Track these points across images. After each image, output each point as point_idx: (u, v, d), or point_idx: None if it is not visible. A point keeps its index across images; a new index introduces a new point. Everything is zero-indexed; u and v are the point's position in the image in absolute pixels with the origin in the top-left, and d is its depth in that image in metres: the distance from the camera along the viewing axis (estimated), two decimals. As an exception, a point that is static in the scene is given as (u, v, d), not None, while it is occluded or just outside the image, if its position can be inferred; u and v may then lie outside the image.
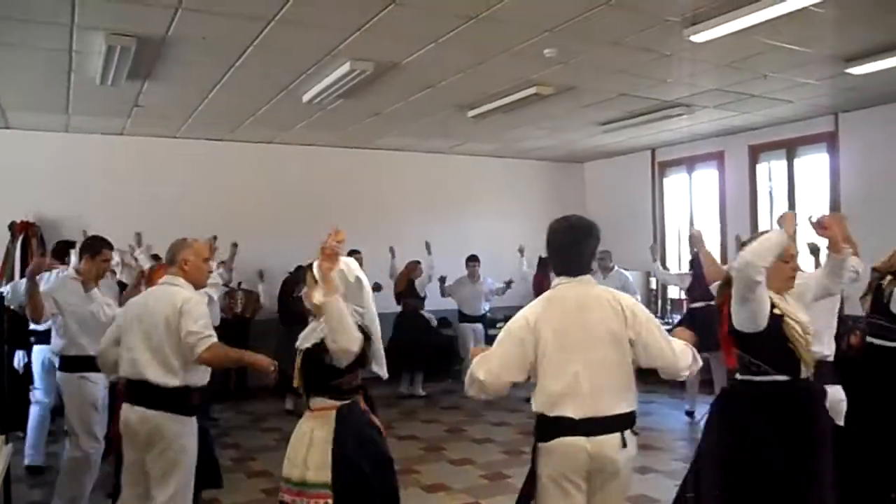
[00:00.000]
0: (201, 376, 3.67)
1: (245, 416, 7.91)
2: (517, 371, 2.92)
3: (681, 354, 2.93)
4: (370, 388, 3.47)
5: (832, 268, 3.72)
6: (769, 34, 5.44)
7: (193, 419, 3.64)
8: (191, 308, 3.53)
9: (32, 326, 5.54)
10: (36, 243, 7.91)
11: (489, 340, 9.31)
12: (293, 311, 8.25)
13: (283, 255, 8.74)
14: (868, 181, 7.89)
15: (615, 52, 5.84)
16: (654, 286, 10.10)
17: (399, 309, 9.23)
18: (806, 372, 3.33)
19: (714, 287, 3.81)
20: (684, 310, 8.48)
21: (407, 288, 9.21)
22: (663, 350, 2.89)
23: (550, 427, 2.87)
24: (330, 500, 3.04)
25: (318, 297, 3.08)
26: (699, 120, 8.45)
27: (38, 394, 5.80)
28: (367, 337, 3.28)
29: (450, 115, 8.08)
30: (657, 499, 5.05)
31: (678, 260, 10.28)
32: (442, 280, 9.26)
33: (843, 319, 4.92)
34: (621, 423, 2.85)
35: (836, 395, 3.91)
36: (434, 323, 9.63)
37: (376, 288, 8.86)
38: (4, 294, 4.95)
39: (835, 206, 8.18)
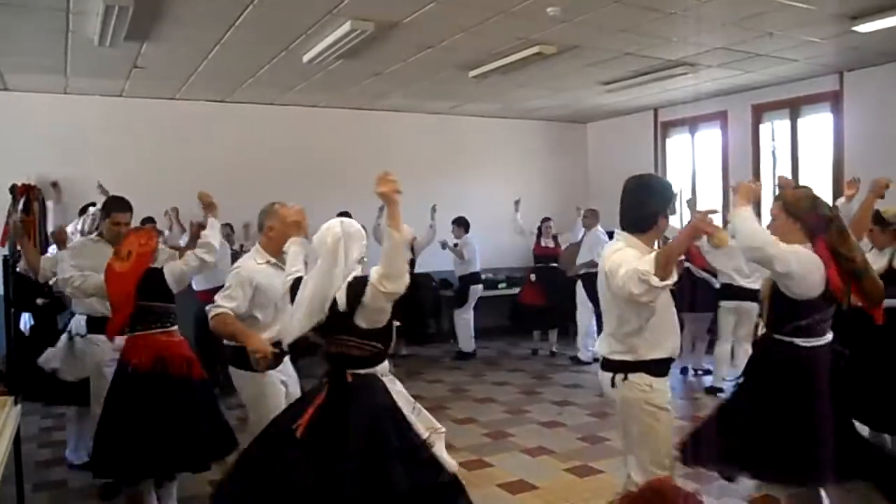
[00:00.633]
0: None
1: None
2: None
3: (619, 278, 3.01)
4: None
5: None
6: (775, -9, 5.39)
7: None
8: (230, 277, 3.81)
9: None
10: (38, 206, 7.90)
11: (482, 302, 9.45)
12: None
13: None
14: (872, 141, 7.85)
15: (619, 10, 5.77)
16: (656, 245, 10.08)
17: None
18: None
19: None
20: (684, 266, 8.49)
21: None
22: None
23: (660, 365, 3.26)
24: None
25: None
26: (702, 79, 8.38)
27: None
28: None
29: (451, 75, 8.02)
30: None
31: (679, 220, 10.27)
32: (443, 245, 9.27)
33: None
34: (611, 365, 3.26)
35: None
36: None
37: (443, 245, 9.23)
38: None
39: (838, 165, 8.17)
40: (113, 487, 4.57)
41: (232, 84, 8.37)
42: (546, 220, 9.43)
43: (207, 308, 3.63)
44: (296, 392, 3.99)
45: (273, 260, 3.88)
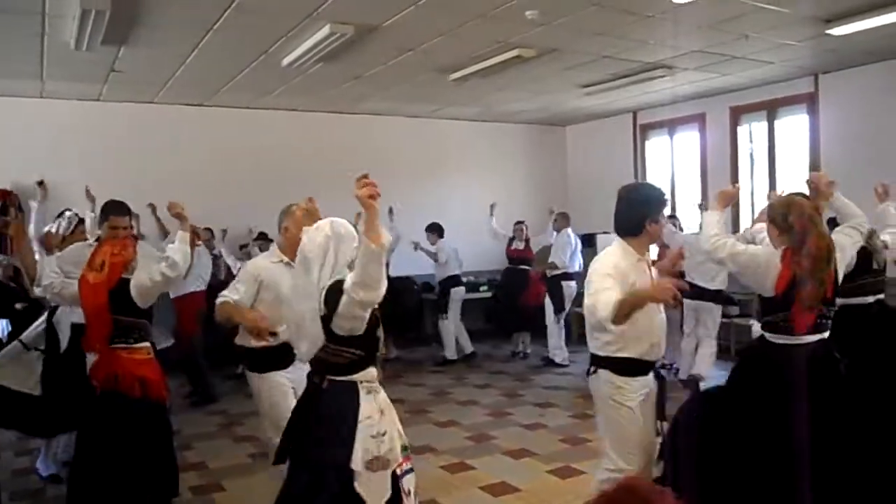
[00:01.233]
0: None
1: (228, 382, 7.92)
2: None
3: (590, 305, 3.27)
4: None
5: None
6: (751, -5, 5.44)
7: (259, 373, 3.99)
8: (239, 272, 4.11)
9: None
10: (14, 212, 7.82)
11: (464, 304, 9.45)
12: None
13: (263, 220, 8.71)
14: (847, 142, 7.96)
15: (597, 13, 5.81)
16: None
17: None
18: None
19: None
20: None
21: None
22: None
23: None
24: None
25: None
26: (680, 82, 8.45)
27: None
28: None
29: (431, 78, 8.03)
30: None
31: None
32: (415, 246, 9.26)
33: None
34: (592, 360, 3.46)
35: None
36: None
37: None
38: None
39: (814, 166, 8.24)
40: None
41: (210, 88, 8.33)
42: (519, 223, 9.43)
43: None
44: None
45: (286, 259, 3.89)
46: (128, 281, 3.90)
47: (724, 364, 8.08)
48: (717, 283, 7.09)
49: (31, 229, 6.67)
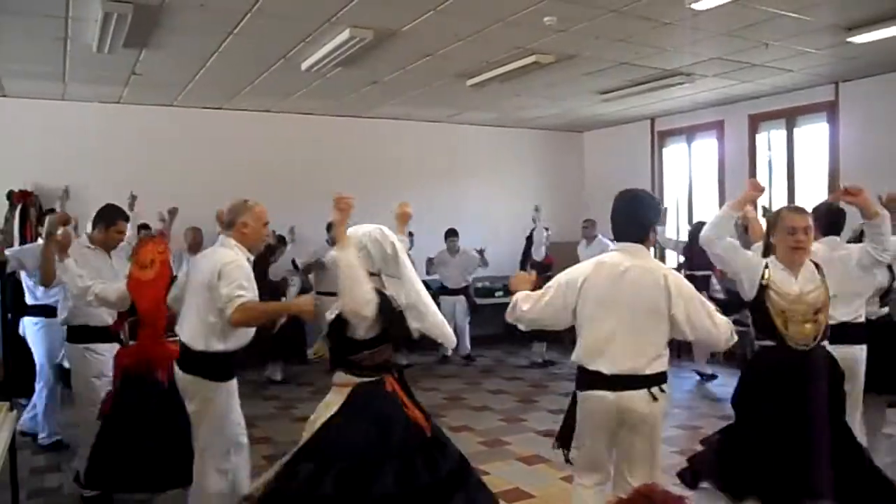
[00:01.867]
0: (237, 340, 3.68)
1: (245, 385, 7.92)
2: (552, 319, 3.30)
3: (722, 327, 3.18)
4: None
5: (870, 233, 4.00)
6: (770, 2, 5.42)
7: (224, 383, 3.70)
8: (230, 270, 3.50)
9: (33, 300, 5.58)
10: (34, 213, 7.89)
11: (480, 310, 9.46)
12: (268, 282, 8.30)
13: (281, 223, 8.76)
14: (868, 151, 7.88)
15: (616, 20, 5.80)
16: (652, 253, 10.11)
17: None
18: (792, 339, 3.46)
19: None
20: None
21: None
22: (707, 326, 3.16)
23: (586, 378, 3.21)
24: None
25: (334, 250, 2.97)
26: (699, 89, 8.42)
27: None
28: (400, 311, 3.17)
29: (449, 83, 8.04)
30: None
31: (676, 230, 10.30)
32: (430, 261, 9.31)
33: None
34: (650, 381, 3.13)
35: (848, 354, 3.95)
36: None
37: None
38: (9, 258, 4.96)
39: (834, 176, 8.19)
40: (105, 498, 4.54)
41: (230, 91, 8.39)
42: (545, 229, 9.44)
43: (223, 305, 3.43)
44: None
45: (250, 256, 3.78)
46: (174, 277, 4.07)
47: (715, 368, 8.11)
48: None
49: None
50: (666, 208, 9.29)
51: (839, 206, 4.51)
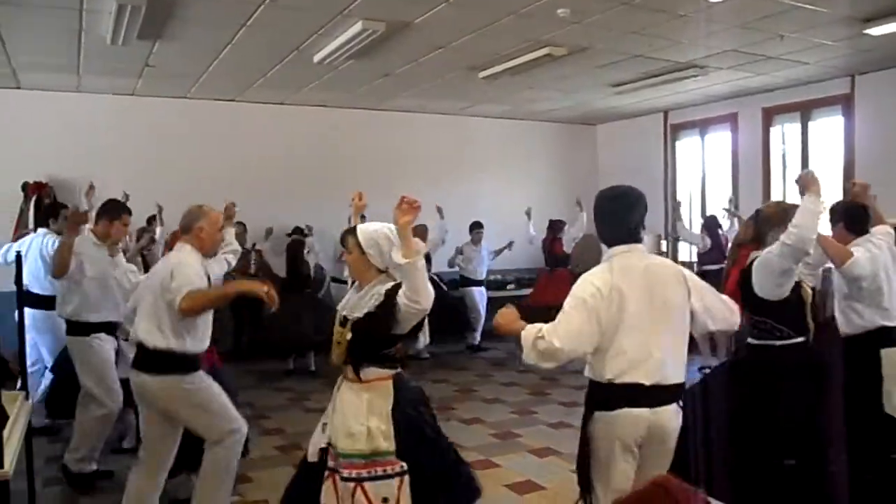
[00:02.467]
0: (198, 343, 3.73)
1: (253, 375, 7.99)
2: (589, 342, 2.80)
3: (733, 307, 3.01)
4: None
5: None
6: (786, -7, 5.38)
7: (188, 375, 3.70)
8: (179, 271, 3.60)
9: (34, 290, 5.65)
10: (48, 204, 7.93)
11: (490, 302, 9.48)
12: (302, 274, 8.34)
13: (293, 215, 8.79)
14: (883, 144, 7.82)
15: (629, 12, 5.77)
16: (664, 248, 10.11)
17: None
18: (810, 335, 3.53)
19: None
20: (695, 272, 8.56)
21: None
22: (724, 311, 2.96)
23: (616, 395, 2.81)
24: (405, 465, 2.91)
25: (398, 257, 2.86)
26: (713, 81, 8.37)
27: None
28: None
29: (461, 76, 8.03)
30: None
31: (689, 223, 10.27)
32: (458, 251, 9.37)
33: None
34: (678, 392, 2.89)
35: None
36: (444, 287, 9.72)
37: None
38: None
39: (849, 169, 8.13)
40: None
41: (243, 83, 8.41)
42: (561, 223, 9.50)
43: (171, 298, 3.52)
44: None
45: (205, 262, 3.88)
46: None
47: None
48: None
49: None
50: (679, 202, 9.29)
51: (858, 204, 4.39)
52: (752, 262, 3.66)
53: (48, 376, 5.70)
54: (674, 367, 2.85)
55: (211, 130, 9.17)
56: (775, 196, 8.86)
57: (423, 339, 2.98)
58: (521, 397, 7.26)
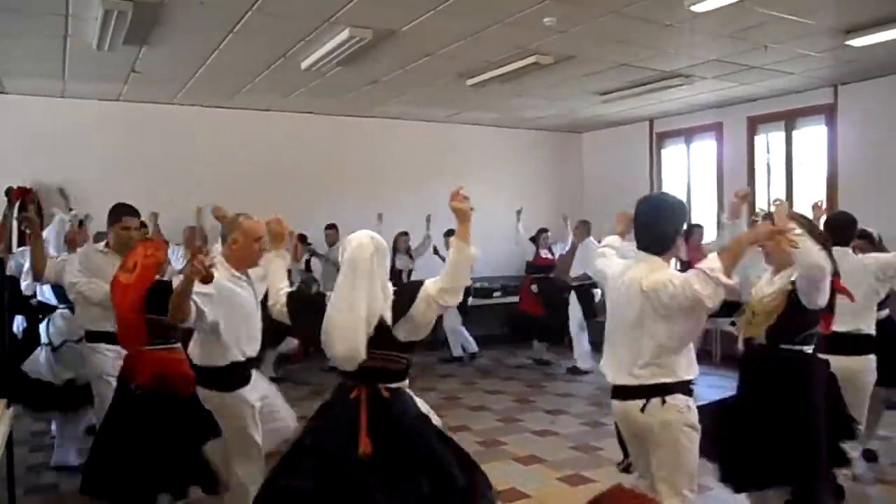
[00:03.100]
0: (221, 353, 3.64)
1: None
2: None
3: (683, 282, 2.93)
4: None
5: None
6: (770, 4, 5.43)
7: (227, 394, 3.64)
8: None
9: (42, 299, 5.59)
10: (34, 210, 7.88)
11: (476, 310, 9.45)
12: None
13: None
14: (866, 154, 7.90)
15: (615, 21, 5.80)
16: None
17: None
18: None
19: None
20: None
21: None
22: (672, 296, 2.95)
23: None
24: None
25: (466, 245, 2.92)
26: (698, 91, 8.43)
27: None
28: None
29: (448, 83, 8.04)
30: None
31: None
32: (435, 250, 9.31)
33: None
34: (647, 391, 3.06)
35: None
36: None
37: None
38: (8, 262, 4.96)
39: (832, 178, 8.21)
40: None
41: (230, 89, 8.38)
42: (543, 231, 9.48)
43: None
44: (278, 403, 3.95)
45: (237, 273, 3.72)
46: (164, 282, 3.87)
47: (707, 369, 8.07)
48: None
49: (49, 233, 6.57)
50: (688, 213, 9.32)
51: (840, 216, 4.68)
52: None
53: None
54: (637, 369, 3.08)
55: (198, 136, 9.12)
56: (760, 204, 8.92)
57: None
58: (507, 405, 7.26)
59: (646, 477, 3.21)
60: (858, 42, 6.29)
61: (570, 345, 8.99)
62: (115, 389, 4.09)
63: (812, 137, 8.74)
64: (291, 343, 7.81)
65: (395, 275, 8.91)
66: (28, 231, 4.85)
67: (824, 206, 4.78)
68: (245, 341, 3.71)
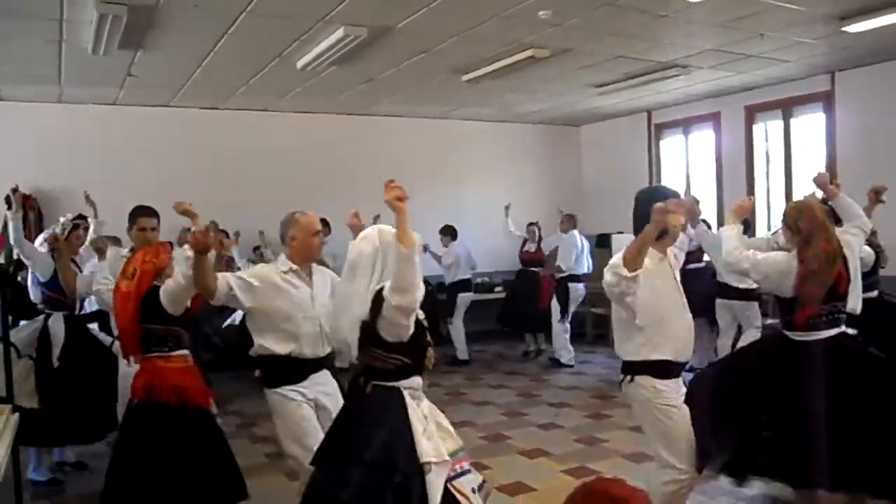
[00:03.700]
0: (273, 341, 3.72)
1: (245, 382, 7.95)
2: None
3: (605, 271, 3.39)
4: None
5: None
6: (765, -7, 5.43)
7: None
8: None
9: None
10: (34, 216, 7.90)
11: (475, 306, 9.44)
12: None
13: (277, 221, 8.75)
14: (864, 140, 7.90)
15: (610, 13, 5.80)
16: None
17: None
18: None
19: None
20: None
21: None
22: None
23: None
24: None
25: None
26: (695, 81, 8.42)
27: None
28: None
29: (444, 79, 8.04)
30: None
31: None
32: (425, 248, 9.26)
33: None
34: (625, 367, 3.50)
35: None
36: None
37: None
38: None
39: (831, 165, 8.20)
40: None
41: (226, 91, 8.39)
42: (532, 224, 9.47)
43: None
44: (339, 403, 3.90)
45: (296, 268, 3.77)
46: (158, 288, 3.82)
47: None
48: (748, 282, 7.02)
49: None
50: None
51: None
52: None
53: None
54: (619, 347, 3.53)
55: (194, 139, 9.13)
56: (759, 193, 8.94)
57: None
58: (511, 399, 7.28)
59: None
60: (854, 28, 6.28)
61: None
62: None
63: (810, 125, 8.73)
64: None
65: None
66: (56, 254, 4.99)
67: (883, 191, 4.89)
68: (286, 337, 3.71)
